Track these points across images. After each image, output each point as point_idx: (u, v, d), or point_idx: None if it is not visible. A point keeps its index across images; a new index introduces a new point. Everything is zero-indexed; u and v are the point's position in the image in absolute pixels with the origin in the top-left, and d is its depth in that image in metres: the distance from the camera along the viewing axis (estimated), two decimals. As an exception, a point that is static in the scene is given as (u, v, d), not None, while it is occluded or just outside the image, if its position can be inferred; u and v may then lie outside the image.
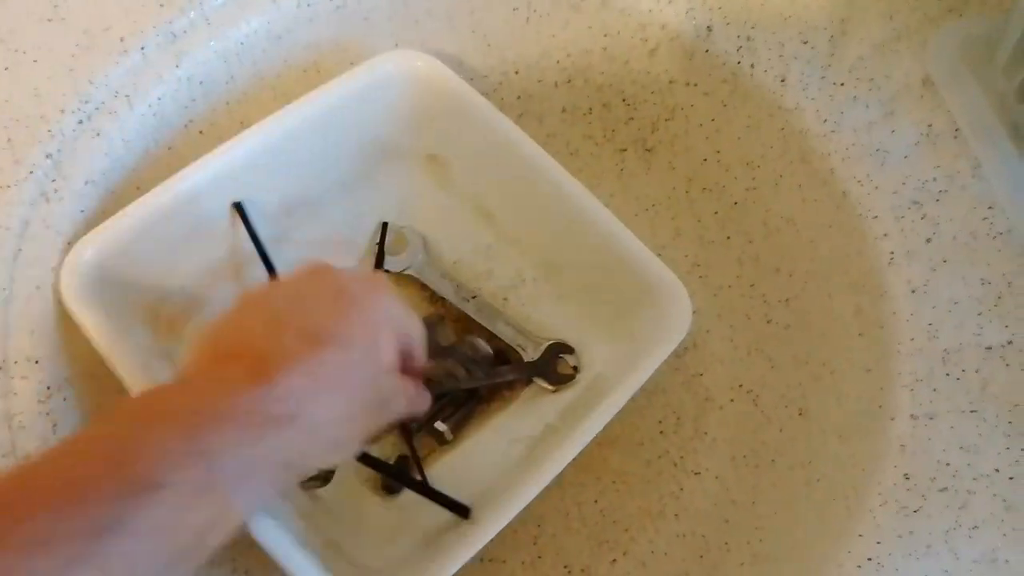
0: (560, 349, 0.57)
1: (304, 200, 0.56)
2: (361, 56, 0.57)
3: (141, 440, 0.29)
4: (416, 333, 0.42)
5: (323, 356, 0.35)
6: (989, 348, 0.44)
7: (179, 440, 0.30)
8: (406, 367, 0.41)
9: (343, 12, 0.56)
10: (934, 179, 0.49)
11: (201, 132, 0.54)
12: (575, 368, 0.56)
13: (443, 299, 0.58)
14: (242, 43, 0.54)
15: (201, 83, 0.53)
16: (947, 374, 0.44)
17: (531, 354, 0.57)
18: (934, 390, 0.43)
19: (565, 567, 0.54)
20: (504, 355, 0.58)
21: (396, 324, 0.40)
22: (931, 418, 0.42)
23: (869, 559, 0.40)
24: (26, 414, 0.41)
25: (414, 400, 0.43)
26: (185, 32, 0.52)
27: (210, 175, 0.48)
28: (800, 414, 0.51)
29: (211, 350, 0.36)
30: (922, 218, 0.47)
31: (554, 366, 0.56)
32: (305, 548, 0.43)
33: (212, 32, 0.52)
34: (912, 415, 0.42)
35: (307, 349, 0.34)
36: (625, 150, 0.64)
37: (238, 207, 0.51)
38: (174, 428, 0.30)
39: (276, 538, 0.41)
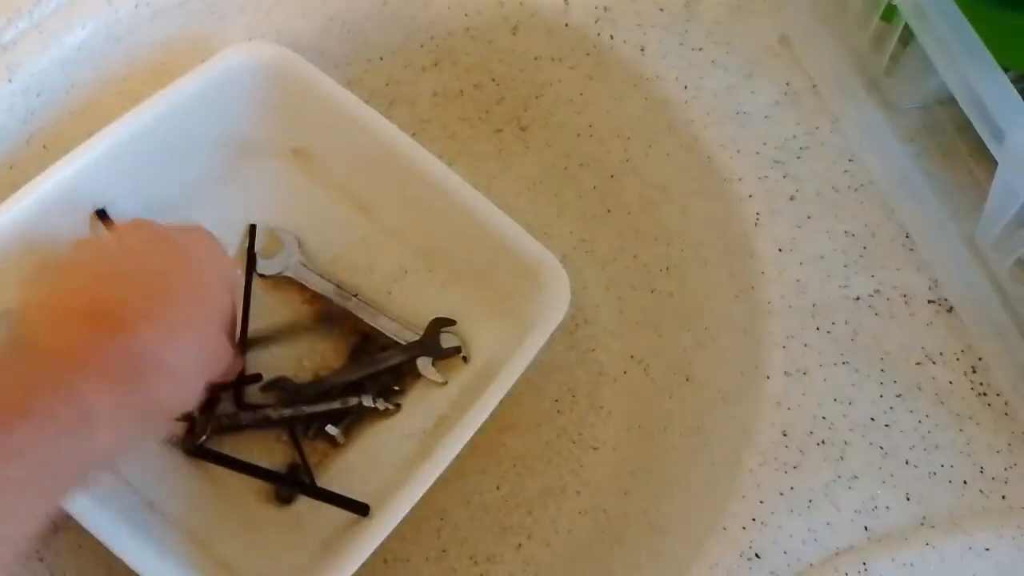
0: (441, 323, 0.56)
1: (165, 204, 0.53)
2: (213, 52, 0.55)
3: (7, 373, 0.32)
4: (236, 282, 0.46)
5: (174, 308, 0.37)
6: (857, 299, 0.45)
7: (48, 379, 0.32)
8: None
9: (188, 7, 0.54)
10: (794, 136, 0.49)
11: (44, 146, 0.51)
12: (458, 347, 0.55)
13: (322, 298, 0.57)
14: (80, 48, 0.51)
15: (39, 95, 0.50)
16: (817, 328, 0.44)
17: (416, 343, 0.56)
18: (805, 345, 0.44)
19: (471, 558, 0.53)
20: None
21: (223, 273, 0.43)
22: (804, 373, 0.43)
23: (753, 519, 0.40)
24: None
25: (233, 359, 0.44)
26: (15, 42, 0.49)
27: (61, 183, 0.46)
28: (687, 380, 0.52)
29: (61, 311, 0.35)
30: (784, 176, 0.48)
31: (437, 342, 0.55)
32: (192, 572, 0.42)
33: (45, 40, 0.49)
34: (785, 372, 0.43)
35: (158, 303, 0.37)
36: (501, 130, 0.63)
37: (101, 214, 0.48)
38: (43, 370, 0.32)
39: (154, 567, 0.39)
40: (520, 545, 0.53)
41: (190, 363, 0.37)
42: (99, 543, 0.41)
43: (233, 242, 0.57)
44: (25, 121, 0.50)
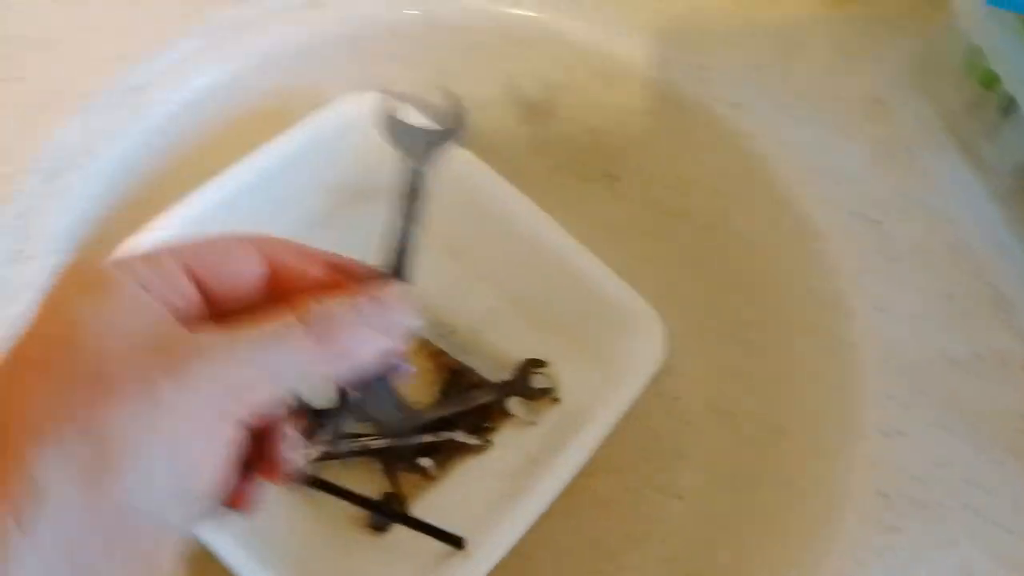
0: (533, 364, 0.57)
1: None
2: (324, 100, 0.58)
3: None
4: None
5: None
6: (953, 361, 0.45)
7: None
8: None
9: (303, 59, 0.57)
10: (889, 196, 0.50)
11: (166, 183, 0.54)
12: (549, 387, 0.56)
13: (418, 337, 0.59)
14: (203, 93, 0.54)
15: (165, 134, 0.53)
16: (914, 389, 0.45)
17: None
18: (903, 406, 0.44)
19: (554, 598, 0.54)
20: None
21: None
22: (901, 434, 0.43)
23: (849, 578, 0.40)
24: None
25: None
26: (144, 86, 0.52)
27: (181, 224, 0.48)
28: (776, 434, 0.52)
29: None
30: (879, 236, 0.49)
31: (528, 382, 0.57)
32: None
33: (172, 83, 0.53)
34: (883, 431, 0.43)
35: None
36: (591, 180, 0.65)
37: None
38: None
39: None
40: (603, 590, 0.54)
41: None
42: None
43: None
44: (154, 159, 0.53)
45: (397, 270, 0.33)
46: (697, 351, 0.59)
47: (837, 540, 0.41)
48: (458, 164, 0.55)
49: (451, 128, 0.37)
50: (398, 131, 0.37)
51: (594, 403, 0.52)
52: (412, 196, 0.34)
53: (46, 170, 0.49)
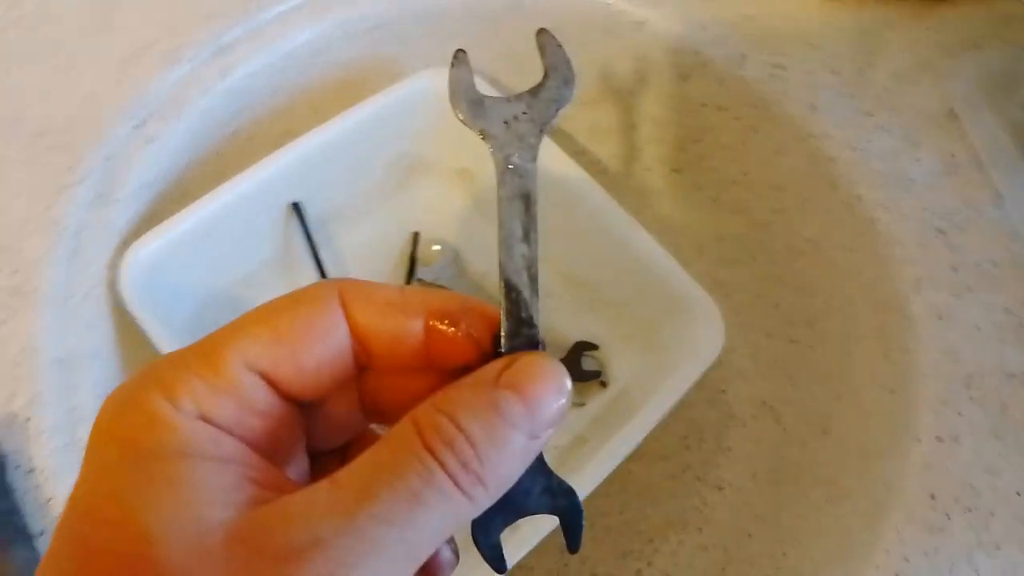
0: (584, 347, 0.58)
1: (343, 208, 0.58)
2: (396, 73, 0.59)
3: None
4: None
5: None
6: (1011, 374, 0.46)
7: None
8: None
9: (380, 31, 0.58)
10: (957, 208, 0.50)
11: (247, 141, 0.56)
12: (598, 371, 0.57)
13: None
14: (285, 58, 0.55)
15: (246, 94, 0.55)
16: (970, 398, 0.45)
17: (557, 362, 0.58)
18: (958, 413, 0.45)
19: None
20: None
21: None
22: (955, 440, 0.44)
23: (896, 575, 0.41)
24: (86, 407, 0.43)
25: None
26: (231, 46, 0.53)
27: (260, 182, 0.50)
28: (823, 432, 0.53)
29: None
30: (946, 246, 0.49)
31: (579, 364, 0.57)
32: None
33: (258, 47, 0.54)
34: (937, 437, 0.44)
35: None
36: (651, 169, 0.66)
37: (296, 207, 0.52)
38: None
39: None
40: (639, 571, 0.55)
41: None
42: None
43: (397, 247, 0.61)
44: (232, 117, 0.55)
45: (522, 312, 0.24)
46: (747, 345, 0.60)
47: (886, 539, 0.42)
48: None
49: (556, 87, 0.26)
50: (481, 107, 0.26)
51: (644, 389, 0.53)
52: (522, 203, 0.25)
53: (135, 118, 0.50)
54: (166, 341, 0.43)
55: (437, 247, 0.61)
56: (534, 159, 0.25)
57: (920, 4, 0.58)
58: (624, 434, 0.47)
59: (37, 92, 0.50)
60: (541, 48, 0.27)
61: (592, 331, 0.59)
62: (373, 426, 0.28)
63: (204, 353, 0.21)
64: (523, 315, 0.24)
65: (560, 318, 0.60)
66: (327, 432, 0.26)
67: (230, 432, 0.21)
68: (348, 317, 0.23)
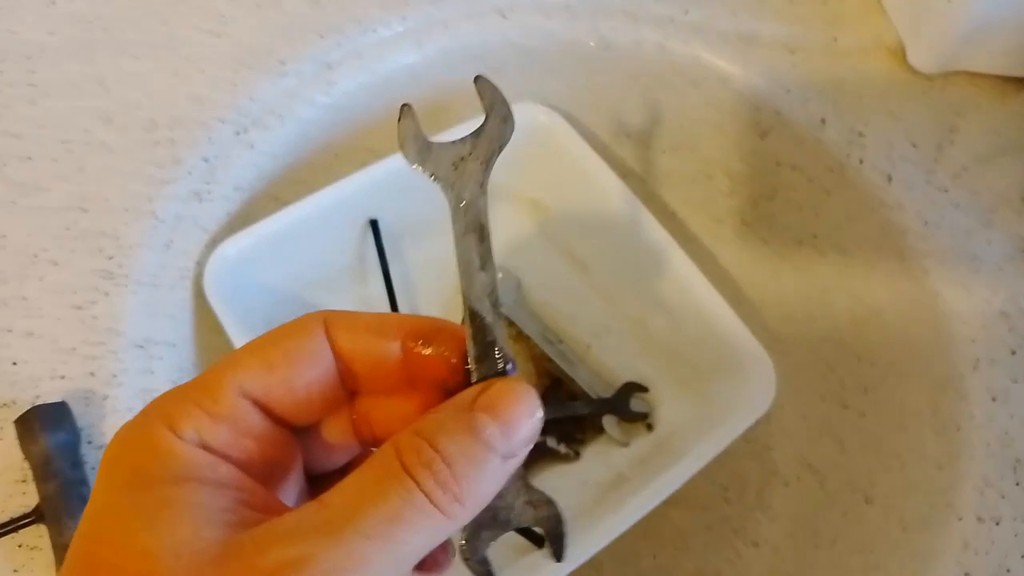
0: (634, 388, 0.59)
1: (417, 225, 0.60)
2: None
3: None
4: None
5: None
6: (1062, 464, 0.46)
7: None
8: None
9: (477, 62, 0.61)
10: (1022, 293, 0.50)
11: (336, 155, 0.59)
12: (646, 413, 0.58)
13: (527, 338, 0.61)
14: (385, 79, 0.58)
15: (344, 111, 0.58)
16: (1017, 483, 0.45)
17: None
18: (1002, 496, 0.44)
19: (616, 613, 0.56)
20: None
21: None
22: (996, 523, 0.44)
23: (923, 650, 0.41)
24: (159, 391, 0.45)
25: None
26: (338, 63, 0.56)
27: (343, 196, 0.52)
28: (866, 501, 0.53)
29: None
30: (1009, 330, 0.49)
31: (627, 404, 0.59)
32: None
33: (361, 66, 0.57)
34: (979, 517, 0.44)
35: None
36: (721, 221, 0.67)
37: (373, 224, 0.55)
38: None
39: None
40: (666, 615, 0.55)
41: None
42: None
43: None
44: (327, 131, 0.57)
45: (487, 337, 0.26)
46: (798, 405, 0.60)
47: (915, 613, 0.42)
48: (602, 184, 0.58)
49: (496, 126, 0.28)
50: (429, 152, 0.28)
51: (690, 436, 0.54)
52: (476, 236, 0.27)
53: (236, 123, 0.53)
54: (240, 335, 0.46)
55: (500, 274, 0.63)
56: (483, 193, 0.27)
57: (1006, 86, 0.58)
58: (664, 478, 0.48)
59: (151, 88, 0.54)
60: (480, 92, 0.28)
61: (645, 373, 0.60)
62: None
63: (203, 385, 0.24)
64: (488, 339, 0.26)
65: (615, 357, 0.61)
66: (323, 456, 0.28)
67: (227, 457, 0.23)
68: (332, 343, 0.25)
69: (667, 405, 0.59)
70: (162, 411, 0.23)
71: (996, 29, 0.55)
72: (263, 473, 0.24)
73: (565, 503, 0.55)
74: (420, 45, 0.58)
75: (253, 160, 0.53)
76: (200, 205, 0.50)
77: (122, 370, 0.45)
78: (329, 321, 0.26)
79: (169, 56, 0.55)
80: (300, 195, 0.52)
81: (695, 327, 0.56)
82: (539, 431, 0.24)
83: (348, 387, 0.27)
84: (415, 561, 0.22)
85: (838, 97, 0.58)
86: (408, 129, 0.28)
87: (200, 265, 0.49)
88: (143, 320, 0.47)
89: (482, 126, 0.28)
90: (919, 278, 0.52)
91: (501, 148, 0.27)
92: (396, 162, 0.55)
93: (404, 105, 0.28)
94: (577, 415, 0.59)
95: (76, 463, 0.42)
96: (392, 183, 0.55)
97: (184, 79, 0.54)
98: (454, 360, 0.26)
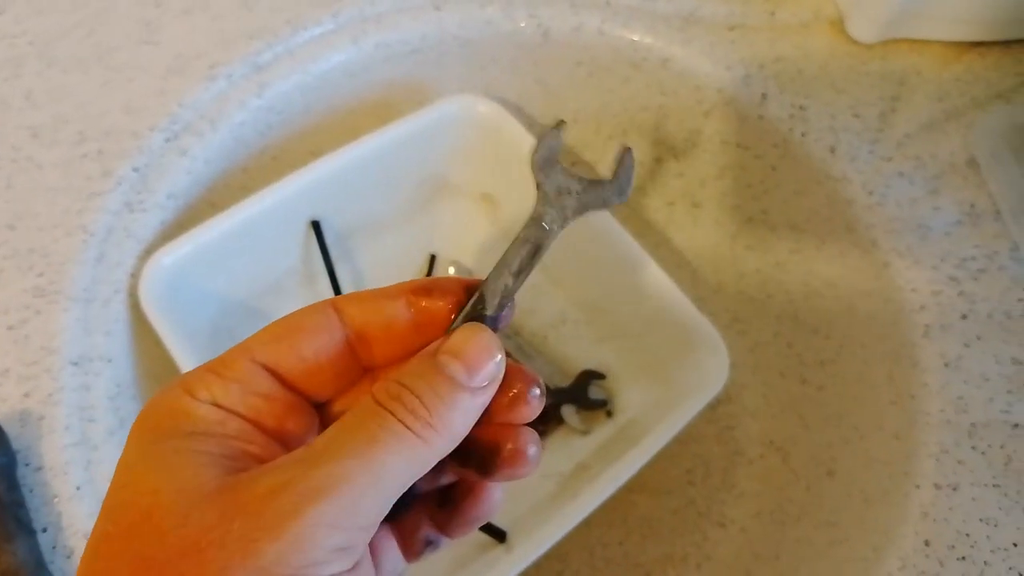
0: (591, 375, 0.59)
1: (364, 226, 0.59)
2: (430, 96, 0.60)
3: None
4: None
5: None
6: (1016, 425, 0.45)
7: None
8: None
9: (417, 55, 0.60)
10: (973, 258, 0.50)
11: (274, 158, 0.58)
12: (604, 400, 0.58)
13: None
14: (320, 78, 0.57)
15: (279, 112, 0.56)
16: (973, 447, 0.45)
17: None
18: (959, 462, 0.44)
19: (585, 604, 0.55)
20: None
21: None
22: (954, 489, 0.44)
23: (885, 620, 0.41)
24: (97, 408, 0.44)
25: None
26: (270, 64, 0.55)
27: (284, 197, 0.51)
28: (828, 475, 0.53)
29: None
30: (959, 294, 0.49)
31: (585, 392, 0.58)
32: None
33: (294, 66, 0.56)
34: (936, 484, 0.44)
35: None
36: (673, 203, 0.66)
37: (315, 225, 0.54)
38: None
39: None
40: (635, 603, 0.55)
41: None
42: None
43: (414, 267, 0.62)
44: (262, 134, 0.56)
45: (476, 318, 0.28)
46: (756, 383, 0.60)
47: (877, 584, 0.42)
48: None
49: (611, 192, 0.29)
50: (553, 173, 0.29)
51: (649, 420, 0.54)
52: (532, 249, 0.29)
53: (167, 130, 0.52)
54: (181, 348, 0.45)
55: (452, 269, 0.62)
56: (562, 228, 0.29)
57: (947, 52, 0.58)
58: (624, 463, 0.47)
59: (78, 100, 0.52)
60: (619, 159, 0.30)
61: (601, 360, 0.60)
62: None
63: (220, 358, 0.26)
64: (476, 318, 0.28)
65: (571, 345, 0.61)
66: None
67: (237, 413, 0.25)
68: (341, 314, 0.27)
69: (625, 391, 0.59)
70: (183, 380, 0.25)
71: (931, -5, 0.55)
72: (276, 432, 0.26)
73: (526, 497, 0.55)
74: (355, 41, 0.57)
75: (186, 167, 0.52)
76: (132, 216, 0.49)
77: (58, 389, 0.44)
78: (336, 300, 0.28)
79: (97, 67, 0.54)
80: (238, 200, 0.51)
81: (648, 312, 0.55)
82: (502, 371, 0.26)
83: (364, 363, 0.28)
84: (398, 489, 0.24)
85: (779, 72, 0.57)
86: (551, 142, 0.29)
87: (135, 277, 0.48)
88: (78, 337, 0.45)
89: (603, 182, 0.29)
90: (868, 249, 0.52)
91: (603, 208, 0.29)
92: (339, 160, 0.53)
93: (560, 121, 0.30)
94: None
95: (12, 485, 0.40)
96: (336, 182, 0.54)
97: (113, 89, 0.53)
98: (450, 308, 0.28)
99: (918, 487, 0.44)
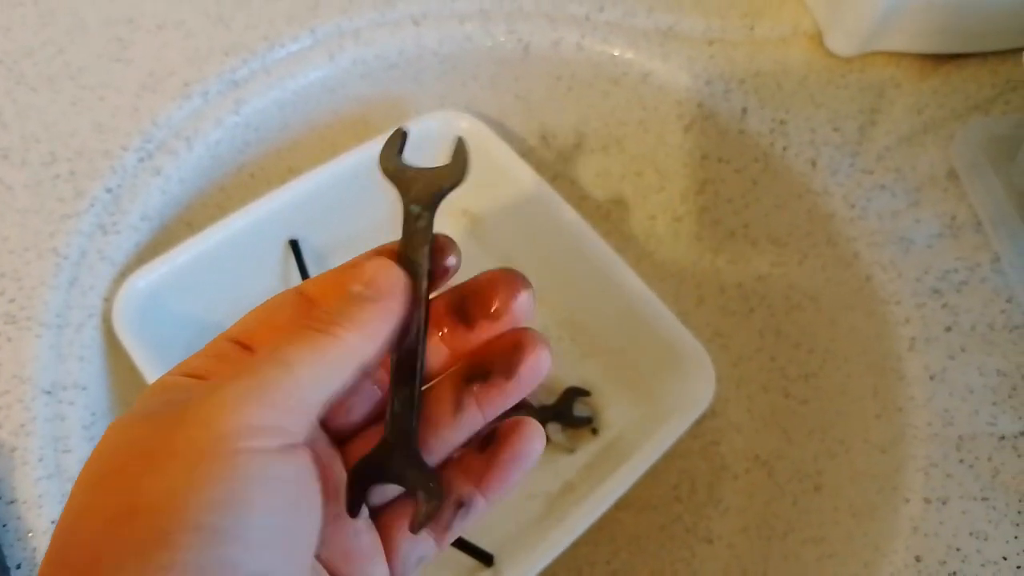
0: (576, 393, 0.58)
1: (343, 244, 0.58)
2: (408, 113, 0.60)
3: None
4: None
5: None
6: (1002, 437, 0.45)
7: None
8: None
9: (395, 71, 0.59)
10: (955, 270, 0.50)
11: (252, 175, 0.57)
12: (589, 417, 0.57)
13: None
14: (298, 94, 0.56)
15: (256, 129, 0.55)
16: (960, 460, 0.45)
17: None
18: (947, 475, 0.44)
19: (574, 625, 0.54)
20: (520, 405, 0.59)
21: None
22: (943, 503, 0.43)
23: (878, 638, 0.41)
24: (72, 438, 0.43)
25: None
26: (246, 81, 0.54)
27: (260, 216, 0.50)
28: (815, 489, 0.52)
29: None
30: (942, 307, 0.49)
31: (570, 410, 0.57)
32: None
33: (271, 82, 0.55)
34: (925, 498, 0.44)
35: None
36: (655, 217, 0.66)
37: (293, 244, 0.53)
38: None
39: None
40: (624, 623, 0.54)
41: None
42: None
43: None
44: (239, 152, 0.55)
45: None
46: (740, 397, 0.60)
47: (869, 601, 0.42)
48: (528, 187, 0.57)
49: (455, 175, 0.31)
50: (403, 168, 0.31)
51: (635, 437, 0.53)
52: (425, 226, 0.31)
53: (140, 150, 0.51)
54: (155, 372, 0.43)
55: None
56: (431, 211, 0.31)
57: (925, 65, 0.58)
58: (611, 483, 0.47)
59: (49, 120, 0.51)
60: (455, 147, 0.31)
61: (586, 377, 0.59)
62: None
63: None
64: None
65: (554, 363, 0.60)
66: (341, 411, 0.30)
67: (206, 378, 0.27)
68: (306, 295, 0.29)
69: (611, 408, 0.58)
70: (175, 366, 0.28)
71: (911, 8, 0.55)
72: None
73: (513, 517, 0.54)
74: (332, 57, 0.56)
75: (161, 187, 0.50)
76: (105, 238, 0.48)
77: (31, 419, 0.42)
78: (302, 285, 0.30)
79: (68, 86, 0.53)
80: (215, 220, 0.50)
81: (632, 328, 0.55)
82: (396, 277, 0.28)
83: None
84: (317, 377, 0.25)
85: (758, 86, 0.57)
86: (392, 146, 0.31)
87: (109, 301, 0.46)
88: (51, 364, 0.44)
89: (444, 166, 0.31)
90: (850, 262, 0.52)
91: (450, 186, 0.31)
92: (317, 178, 0.53)
93: (399, 128, 0.32)
94: (521, 425, 0.58)
95: (-16, 521, 0.39)
96: (314, 200, 0.53)
97: (84, 108, 0.52)
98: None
99: (907, 501, 0.44)
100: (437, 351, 0.30)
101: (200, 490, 0.22)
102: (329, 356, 0.26)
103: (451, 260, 0.31)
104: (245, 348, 0.28)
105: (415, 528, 0.28)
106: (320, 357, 0.26)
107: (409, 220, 0.31)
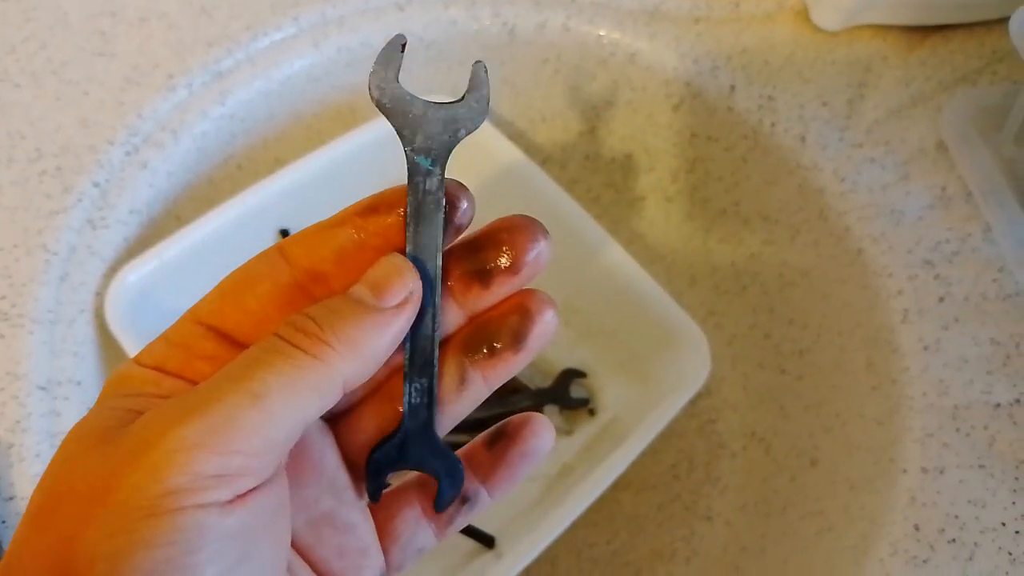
0: (572, 375, 0.58)
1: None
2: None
3: None
4: None
5: None
6: (997, 406, 0.46)
7: None
8: None
9: (380, 58, 0.59)
10: (947, 241, 0.50)
11: (239, 167, 0.56)
12: (586, 399, 0.57)
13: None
14: (283, 84, 0.56)
15: (242, 120, 0.55)
16: (956, 429, 0.45)
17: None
18: (944, 445, 0.44)
19: (575, 606, 0.55)
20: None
21: None
22: (941, 472, 0.44)
23: (879, 608, 0.41)
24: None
25: None
26: (231, 71, 0.54)
27: (250, 207, 0.50)
28: (812, 464, 0.52)
29: None
30: (935, 278, 0.49)
31: (567, 392, 0.57)
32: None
33: (256, 72, 0.55)
34: (923, 468, 0.44)
35: None
36: (645, 198, 0.66)
37: (284, 235, 0.53)
38: None
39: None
40: (626, 602, 0.54)
41: None
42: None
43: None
44: (227, 142, 0.55)
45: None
46: (736, 375, 0.60)
47: (870, 571, 0.42)
48: (518, 171, 0.56)
49: (475, 114, 0.26)
50: (404, 99, 0.25)
51: (632, 418, 0.53)
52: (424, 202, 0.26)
53: (126, 143, 0.51)
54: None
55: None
56: (440, 164, 0.26)
57: (911, 37, 0.58)
58: (609, 463, 0.47)
59: (33, 115, 0.51)
60: (473, 76, 0.27)
61: (582, 359, 0.59)
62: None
63: (171, 326, 0.26)
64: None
65: (550, 345, 0.60)
66: None
67: (178, 375, 0.24)
68: (287, 256, 0.26)
69: (607, 389, 0.58)
70: (136, 355, 0.25)
71: (893, -19, 0.55)
72: None
73: (513, 501, 0.54)
74: (316, 46, 0.56)
75: (148, 180, 0.50)
76: (95, 233, 0.48)
77: (26, 415, 0.42)
78: (282, 242, 0.26)
79: (51, 81, 0.52)
80: (204, 212, 0.50)
81: (626, 309, 0.55)
82: (412, 284, 0.25)
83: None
84: (293, 411, 0.22)
85: (746, 63, 0.57)
86: (388, 60, 0.26)
87: (100, 296, 0.46)
88: (44, 360, 0.44)
89: (458, 100, 0.26)
90: (841, 236, 0.52)
91: (469, 129, 0.26)
92: (306, 167, 0.52)
93: (399, 35, 0.26)
94: (518, 409, 0.58)
95: (-18, 519, 0.39)
96: (304, 190, 0.53)
97: (68, 103, 0.51)
98: (400, 219, 0.26)
99: (905, 472, 0.44)
100: (452, 315, 0.27)
101: (141, 551, 0.20)
102: (310, 383, 0.22)
103: (464, 216, 0.27)
104: (216, 335, 0.25)
105: (441, 508, 0.28)
106: (300, 387, 0.22)
107: (417, 177, 0.25)
